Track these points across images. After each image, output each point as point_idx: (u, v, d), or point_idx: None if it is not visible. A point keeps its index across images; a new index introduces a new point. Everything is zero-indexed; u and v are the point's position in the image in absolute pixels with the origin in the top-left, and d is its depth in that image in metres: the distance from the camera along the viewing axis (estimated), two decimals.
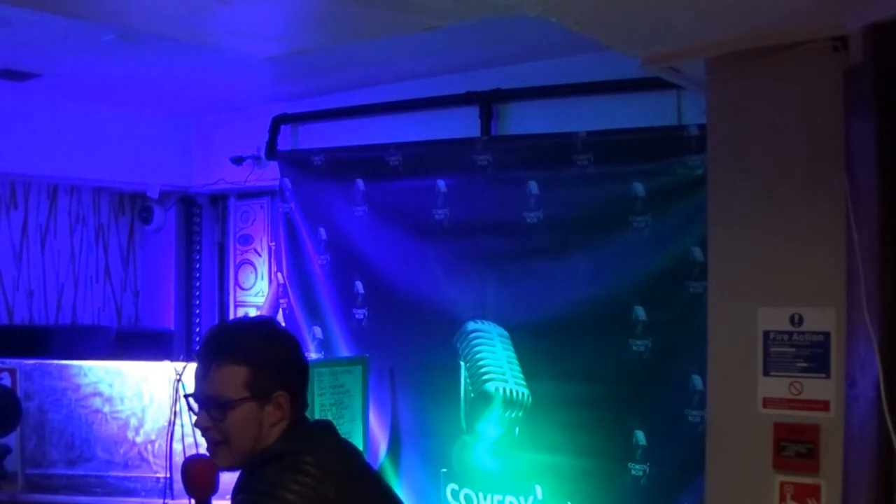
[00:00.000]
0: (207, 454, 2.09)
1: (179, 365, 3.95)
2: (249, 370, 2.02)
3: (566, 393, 3.77)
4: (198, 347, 2.07)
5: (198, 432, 2.06)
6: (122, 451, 4.03)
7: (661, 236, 3.54)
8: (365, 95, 4.58)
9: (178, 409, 3.90)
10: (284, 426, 2.06)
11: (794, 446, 2.53)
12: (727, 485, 2.69)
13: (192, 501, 2.18)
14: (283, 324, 4.22)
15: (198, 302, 5.63)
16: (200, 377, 2.06)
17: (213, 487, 2.15)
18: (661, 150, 3.53)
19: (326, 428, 2.16)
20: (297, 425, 2.09)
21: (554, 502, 3.81)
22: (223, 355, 2.04)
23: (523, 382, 3.89)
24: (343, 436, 2.21)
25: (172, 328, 5.56)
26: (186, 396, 2.10)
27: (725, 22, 2.50)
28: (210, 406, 2.04)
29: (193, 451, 3.88)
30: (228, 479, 2.20)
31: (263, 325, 2.19)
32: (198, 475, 2.12)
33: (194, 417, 2.07)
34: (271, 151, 4.88)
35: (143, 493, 3.99)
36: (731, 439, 2.67)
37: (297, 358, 2.13)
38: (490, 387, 3.96)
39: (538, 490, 3.85)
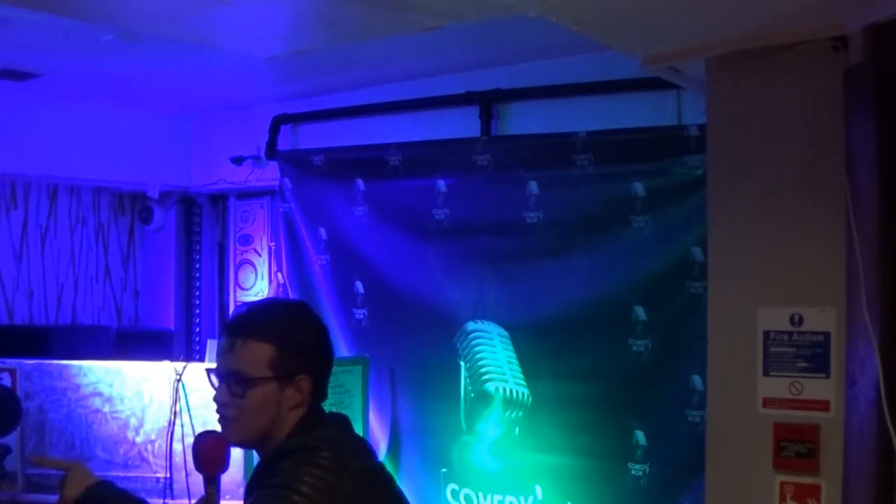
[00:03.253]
0: (220, 430, 2.10)
1: (179, 365, 3.95)
2: (275, 349, 2.03)
3: (566, 393, 3.77)
4: (226, 321, 2.09)
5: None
6: (122, 451, 4.03)
7: (661, 236, 3.54)
8: (365, 95, 4.58)
9: (178, 409, 3.90)
10: (302, 412, 2.06)
11: (794, 446, 2.53)
12: (727, 485, 2.69)
13: (202, 478, 2.16)
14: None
15: (198, 302, 5.63)
16: (225, 351, 2.06)
17: (223, 465, 2.14)
18: (661, 150, 3.53)
19: (342, 422, 2.15)
20: (314, 416, 2.09)
21: (554, 502, 3.81)
22: (251, 331, 2.04)
23: (523, 382, 3.88)
24: None
25: (172, 328, 5.55)
26: (208, 371, 2.09)
27: (725, 22, 2.50)
28: (231, 381, 2.03)
29: None
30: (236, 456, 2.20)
31: (294, 307, 2.21)
32: (209, 451, 2.11)
33: (213, 392, 2.07)
34: (271, 151, 4.88)
35: (142, 493, 3.98)
36: (731, 439, 2.67)
37: (324, 344, 2.13)
38: (490, 387, 3.96)
39: (538, 490, 3.85)
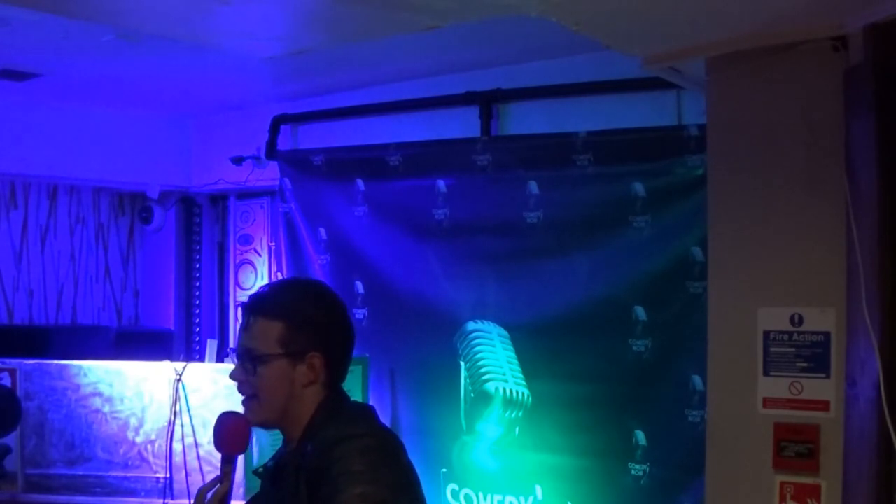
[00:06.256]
0: (242, 411, 2.12)
1: (179, 365, 3.95)
2: (286, 326, 2.06)
3: (566, 393, 3.77)
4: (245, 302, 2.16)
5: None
6: (122, 451, 4.03)
7: (661, 236, 3.54)
8: (365, 95, 4.58)
9: (178, 409, 3.90)
10: (321, 394, 2.09)
11: (794, 446, 2.53)
12: (727, 485, 2.69)
13: (220, 456, 2.16)
14: None
15: (198, 302, 5.63)
16: (242, 330, 2.12)
17: (243, 445, 2.14)
18: (661, 150, 3.53)
19: (371, 411, 2.18)
20: (337, 399, 2.12)
21: (554, 502, 3.81)
22: (264, 310, 2.09)
23: (523, 382, 3.88)
24: None
25: (172, 328, 5.55)
26: (232, 350, 2.15)
27: (725, 22, 2.50)
28: (245, 359, 2.08)
29: (193, 452, 3.88)
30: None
31: (309, 286, 2.26)
32: (230, 430, 2.11)
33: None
34: (271, 151, 4.88)
35: (143, 493, 3.99)
36: (731, 439, 2.67)
37: (339, 322, 2.14)
38: (490, 387, 3.96)
39: (538, 490, 3.85)
